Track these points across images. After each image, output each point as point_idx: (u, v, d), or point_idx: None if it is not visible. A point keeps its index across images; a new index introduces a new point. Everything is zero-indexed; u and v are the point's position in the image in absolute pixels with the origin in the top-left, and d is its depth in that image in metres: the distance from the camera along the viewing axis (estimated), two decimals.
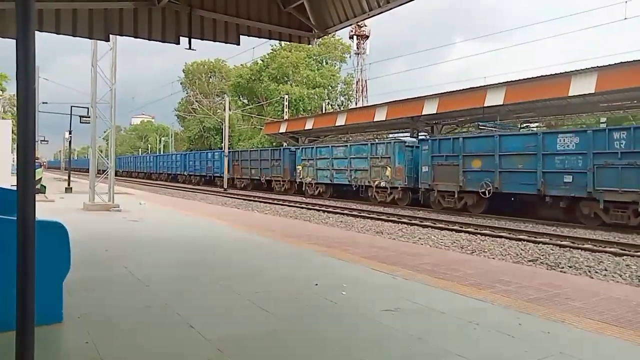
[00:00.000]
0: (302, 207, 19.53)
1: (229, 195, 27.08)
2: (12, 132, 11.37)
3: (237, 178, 34.94)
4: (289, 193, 28.56)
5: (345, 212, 17.47)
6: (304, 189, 26.93)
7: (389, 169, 21.01)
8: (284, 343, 3.03)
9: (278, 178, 30.16)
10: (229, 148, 36.80)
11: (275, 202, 22.27)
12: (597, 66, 16.70)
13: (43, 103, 32.22)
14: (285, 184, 29.44)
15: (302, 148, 28.35)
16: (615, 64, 16.39)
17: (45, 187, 17.24)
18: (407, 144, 21.29)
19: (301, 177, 27.12)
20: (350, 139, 33.93)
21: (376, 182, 21.70)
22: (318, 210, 18.19)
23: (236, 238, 7.99)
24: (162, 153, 68.33)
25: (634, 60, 16.23)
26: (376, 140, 28.42)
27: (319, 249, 6.63)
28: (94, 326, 3.20)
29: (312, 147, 27.55)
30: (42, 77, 29.12)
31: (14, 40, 1.53)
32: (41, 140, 34.59)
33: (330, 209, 18.37)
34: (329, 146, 26.17)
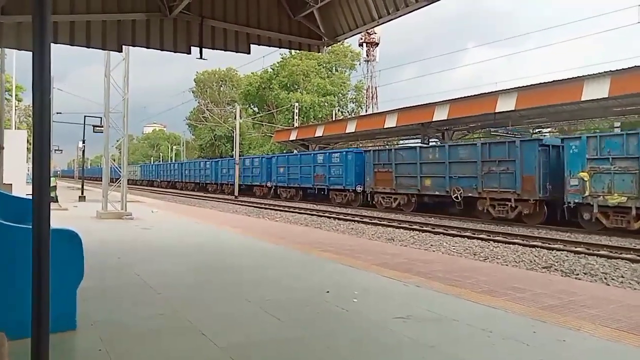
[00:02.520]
0: (313, 215, 19.53)
1: (239, 203, 27.20)
2: (28, 142, 11.57)
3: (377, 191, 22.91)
4: (353, 205, 23.79)
5: (356, 219, 17.42)
6: (375, 200, 22.52)
7: (519, 175, 15.87)
8: (295, 350, 3.02)
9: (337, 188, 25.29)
10: (240, 155, 36.95)
11: (285, 209, 22.30)
12: (611, 70, 16.53)
13: (57, 113, 32.79)
14: (349, 195, 24.48)
15: (374, 151, 23.39)
16: (628, 67, 16.21)
17: (57, 196, 17.41)
18: (543, 142, 16.32)
19: (371, 186, 22.61)
20: (361, 145, 33.94)
21: (492, 194, 16.77)
22: (329, 217, 18.17)
23: (248, 245, 8.00)
24: (190, 159, 61.77)
25: None
26: (480, 139, 23.82)
27: (329, 256, 6.62)
28: (107, 333, 3.22)
29: (389, 150, 22.67)
30: (56, 87, 29.64)
31: (30, 52, 1.57)
32: (55, 150, 35.13)
33: (341, 216, 18.34)
34: (415, 148, 21.23)
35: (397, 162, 21.13)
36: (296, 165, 28.96)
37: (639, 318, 3.74)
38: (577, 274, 8.16)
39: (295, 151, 36.24)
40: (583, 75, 17.37)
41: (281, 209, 22.63)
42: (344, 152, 25.53)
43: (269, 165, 31.86)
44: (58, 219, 10.31)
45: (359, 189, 23.50)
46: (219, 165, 39.81)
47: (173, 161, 69.76)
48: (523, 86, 19.61)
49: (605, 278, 7.88)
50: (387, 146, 31.09)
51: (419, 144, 23.99)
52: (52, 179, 14.57)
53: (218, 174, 39.38)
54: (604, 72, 16.68)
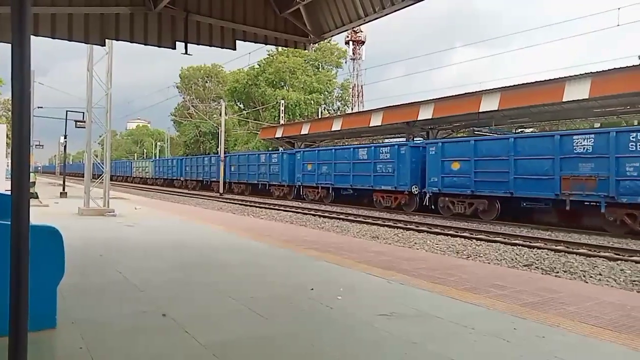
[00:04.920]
0: (298, 212, 19.52)
1: (223, 200, 27.03)
2: (7, 137, 11.33)
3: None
4: (407, 211, 19.53)
5: (341, 217, 17.46)
6: (440, 204, 18.30)
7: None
8: (278, 347, 3.02)
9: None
10: (225, 152, 36.66)
11: (271, 207, 22.24)
12: (591, 72, 16.84)
13: (38, 107, 32.09)
14: (402, 197, 20.01)
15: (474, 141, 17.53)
16: (608, 69, 16.53)
17: (37, 192, 17.08)
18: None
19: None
20: (346, 142, 34.01)
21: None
22: (314, 215, 18.18)
23: (232, 243, 7.96)
24: (195, 155, 51.43)
25: (627, 67, 16.39)
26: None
27: (314, 253, 6.63)
28: (88, 331, 3.18)
29: (465, 141, 18.16)
30: (37, 81, 29.01)
31: (9, 45, 1.53)
32: (36, 145, 34.45)
33: (326, 214, 18.36)
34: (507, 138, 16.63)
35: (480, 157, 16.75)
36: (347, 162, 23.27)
37: (615, 314, 3.84)
38: (557, 272, 8.32)
39: (281, 149, 36.18)
40: (565, 77, 17.66)
41: (266, 206, 22.56)
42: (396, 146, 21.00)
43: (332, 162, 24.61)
44: (38, 216, 10.12)
45: (414, 190, 19.40)
46: (237, 161, 33.88)
47: (170, 157, 58.39)
48: (506, 86, 19.86)
49: (584, 276, 8.04)
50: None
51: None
52: (31, 174, 14.26)
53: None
54: (585, 73, 16.99)
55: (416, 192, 19.32)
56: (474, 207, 16.82)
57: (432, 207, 18.50)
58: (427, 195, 18.56)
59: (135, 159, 71.91)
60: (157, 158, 64.06)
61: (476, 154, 16.76)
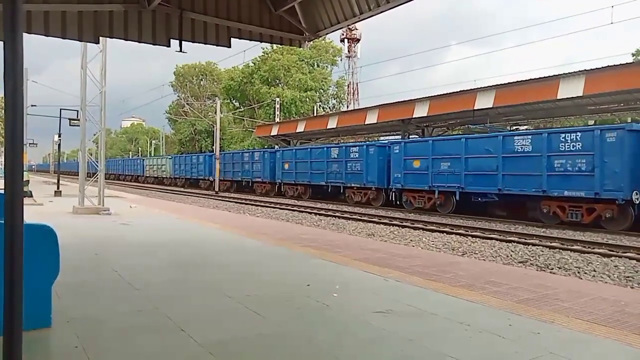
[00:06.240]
0: (294, 210, 19.51)
1: (219, 198, 26.97)
2: (0, 135, 11.24)
3: None
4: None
5: (337, 214, 17.48)
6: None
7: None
8: (275, 346, 3.02)
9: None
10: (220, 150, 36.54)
11: (267, 205, 22.22)
12: (585, 69, 16.92)
13: (32, 106, 31.78)
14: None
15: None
16: (602, 67, 16.62)
17: (31, 191, 16.99)
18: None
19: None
20: (342, 140, 34.02)
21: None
22: (310, 213, 18.18)
23: (228, 241, 7.95)
24: (229, 151, 42.63)
25: (620, 64, 16.48)
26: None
27: (310, 251, 6.63)
28: (83, 330, 3.16)
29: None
30: (32, 79, 28.74)
31: (1, 42, 1.52)
32: (30, 143, 34.17)
33: (322, 212, 18.37)
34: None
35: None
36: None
37: (609, 310, 3.87)
38: (552, 268, 8.36)
39: (276, 146, 36.13)
40: (559, 74, 17.74)
41: (262, 204, 22.53)
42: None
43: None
44: (33, 215, 10.06)
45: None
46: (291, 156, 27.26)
47: (191, 153, 48.69)
48: (501, 84, 19.92)
49: (578, 272, 8.10)
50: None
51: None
52: (24, 173, 14.16)
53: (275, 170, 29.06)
54: (579, 71, 17.06)
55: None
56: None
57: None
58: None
59: (151, 155, 64.95)
60: (178, 154, 53.08)
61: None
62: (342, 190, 23.21)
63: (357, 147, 22.62)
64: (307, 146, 30.13)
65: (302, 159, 26.18)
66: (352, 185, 22.40)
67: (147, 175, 49.93)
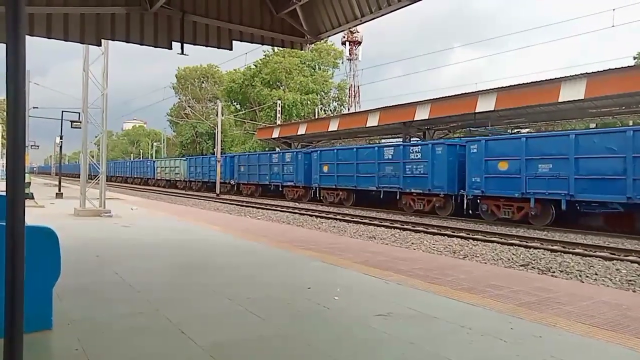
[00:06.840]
0: (295, 213, 19.50)
1: (220, 201, 26.97)
2: (2, 137, 11.28)
3: None
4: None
5: (338, 217, 17.46)
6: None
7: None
8: (276, 349, 3.02)
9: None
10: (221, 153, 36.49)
11: (268, 207, 22.22)
12: (587, 73, 16.92)
13: (34, 108, 31.88)
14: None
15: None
16: (604, 70, 16.61)
17: (32, 193, 17.02)
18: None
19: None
20: (343, 143, 34.02)
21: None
22: (310, 216, 18.17)
23: (229, 243, 7.95)
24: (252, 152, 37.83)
25: (622, 67, 16.48)
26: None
27: (311, 254, 6.62)
28: (84, 333, 3.16)
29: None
30: (33, 82, 28.87)
31: (4, 45, 1.52)
32: (31, 146, 34.26)
33: (323, 215, 18.36)
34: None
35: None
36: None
37: (611, 314, 3.85)
38: (554, 272, 8.34)
39: (277, 149, 36.07)
40: (560, 77, 17.74)
41: (263, 207, 22.53)
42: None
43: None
44: (34, 217, 10.06)
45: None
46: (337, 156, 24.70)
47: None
48: (502, 87, 19.93)
49: (580, 275, 8.07)
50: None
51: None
52: (26, 175, 14.14)
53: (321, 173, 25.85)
54: (580, 74, 17.06)
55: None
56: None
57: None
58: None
59: (164, 156, 60.50)
60: (192, 156, 48.37)
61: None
62: (398, 197, 19.64)
63: (420, 147, 19.13)
64: (351, 145, 27.50)
65: (345, 161, 22.54)
66: (412, 190, 18.84)
67: (159, 178, 46.80)
